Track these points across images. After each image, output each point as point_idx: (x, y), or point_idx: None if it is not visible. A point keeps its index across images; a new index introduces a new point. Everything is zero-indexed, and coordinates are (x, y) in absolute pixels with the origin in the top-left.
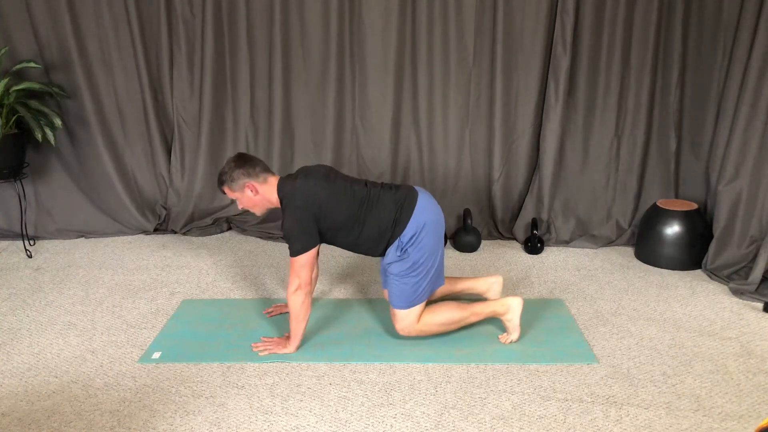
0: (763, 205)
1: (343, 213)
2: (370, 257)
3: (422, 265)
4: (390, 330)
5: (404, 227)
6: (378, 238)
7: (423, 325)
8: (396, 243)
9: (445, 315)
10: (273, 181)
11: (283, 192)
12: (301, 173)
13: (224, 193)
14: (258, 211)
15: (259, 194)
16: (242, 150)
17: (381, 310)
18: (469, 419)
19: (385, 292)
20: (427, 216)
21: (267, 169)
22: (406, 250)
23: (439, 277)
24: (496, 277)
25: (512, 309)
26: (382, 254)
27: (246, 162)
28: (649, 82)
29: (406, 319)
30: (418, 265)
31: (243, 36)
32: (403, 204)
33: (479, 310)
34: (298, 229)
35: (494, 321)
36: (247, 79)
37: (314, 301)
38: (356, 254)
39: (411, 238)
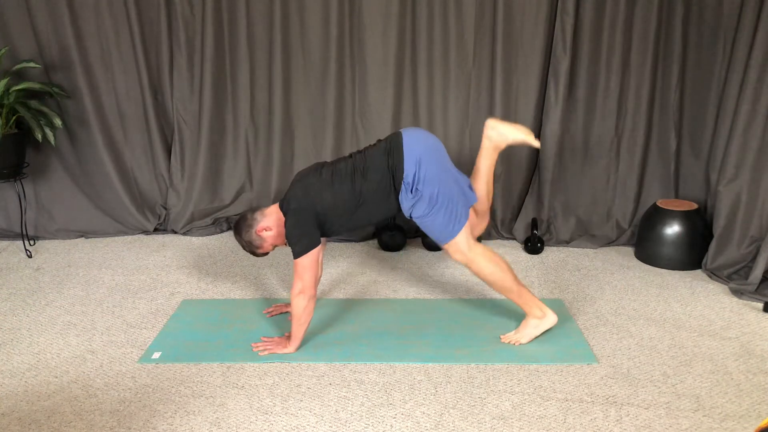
0: (763, 205)
1: (341, 195)
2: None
3: (440, 194)
4: (390, 330)
5: (402, 171)
6: (384, 196)
7: (476, 254)
8: (403, 189)
9: (499, 265)
10: (271, 210)
11: (282, 208)
12: (292, 182)
13: (264, 254)
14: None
15: (273, 228)
16: (242, 149)
17: (381, 310)
18: (469, 419)
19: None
20: (418, 150)
21: (257, 209)
22: (417, 188)
23: (465, 195)
24: (486, 130)
25: (546, 321)
26: (399, 209)
27: (239, 224)
28: (649, 82)
29: (456, 249)
30: (436, 195)
31: (243, 36)
32: (391, 150)
33: (525, 294)
34: (298, 231)
35: (495, 321)
36: (247, 79)
37: (315, 302)
38: (356, 254)
39: (414, 176)
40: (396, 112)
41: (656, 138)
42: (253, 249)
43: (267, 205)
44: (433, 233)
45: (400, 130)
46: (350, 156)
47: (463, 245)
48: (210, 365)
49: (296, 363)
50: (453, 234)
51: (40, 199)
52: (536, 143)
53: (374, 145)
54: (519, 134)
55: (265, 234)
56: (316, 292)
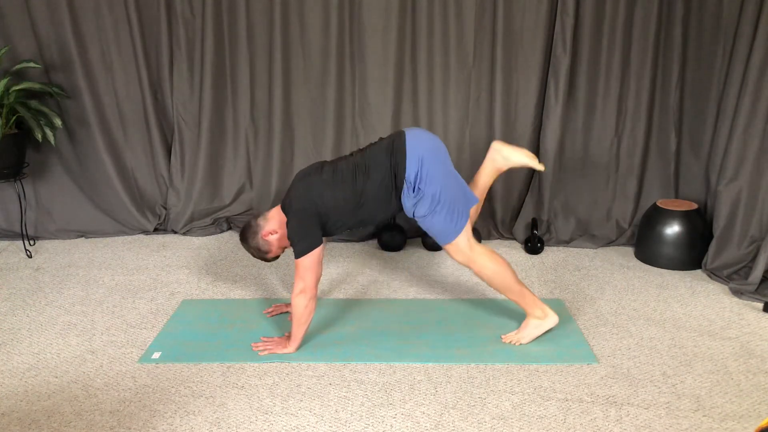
0: (763, 205)
1: (342, 194)
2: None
3: (442, 193)
4: (390, 330)
5: (404, 170)
6: (386, 195)
7: (478, 255)
8: (405, 188)
9: (501, 265)
10: (273, 213)
11: (283, 206)
12: (293, 182)
13: (274, 258)
14: None
15: (277, 230)
16: (242, 149)
17: (381, 310)
18: (469, 419)
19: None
20: (420, 149)
21: (259, 214)
22: (418, 188)
23: (465, 195)
24: (491, 152)
25: (547, 321)
26: (400, 208)
27: (244, 232)
28: (649, 82)
29: (457, 249)
30: (438, 196)
31: (243, 36)
32: (394, 149)
33: (528, 295)
34: (300, 231)
35: (495, 321)
36: (247, 79)
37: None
38: (356, 254)
39: (416, 175)
40: (396, 112)
41: (656, 138)
42: (262, 255)
43: (267, 206)
44: (434, 233)
45: (403, 129)
46: (351, 155)
47: (464, 245)
48: (210, 365)
49: (296, 363)
50: (455, 234)
51: (40, 199)
52: (540, 167)
53: (376, 143)
54: (523, 158)
55: (271, 237)
56: (317, 292)
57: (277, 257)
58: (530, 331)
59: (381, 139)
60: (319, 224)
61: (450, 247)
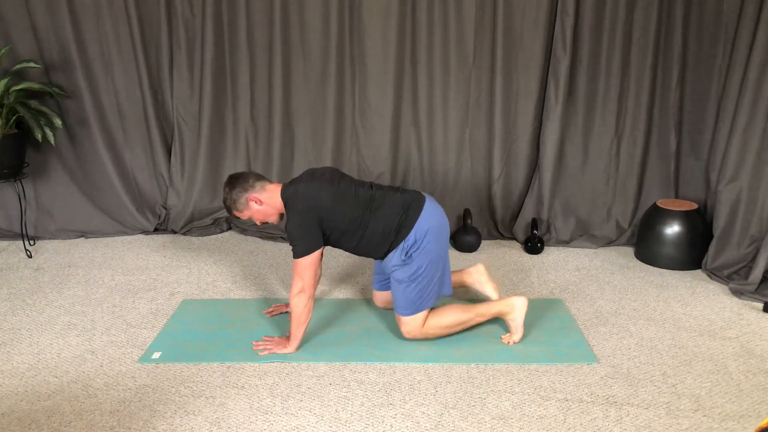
0: (763, 205)
1: (347, 216)
2: (372, 259)
3: (426, 269)
4: (390, 330)
5: (409, 231)
6: (381, 241)
7: (429, 328)
8: (400, 247)
9: (451, 317)
10: (272, 188)
11: (286, 195)
12: (305, 176)
13: (237, 217)
14: (273, 219)
15: (264, 203)
16: (242, 149)
17: (381, 311)
18: (469, 419)
19: (378, 294)
20: (432, 221)
21: (261, 178)
22: (411, 254)
23: (444, 284)
24: (476, 266)
25: (516, 308)
26: (383, 257)
27: (238, 179)
28: (649, 82)
29: (412, 323)
30: (422, 270)
31: (243, 36)
32: (409, 208)
33: (484, 311)
34: (302, 231)
35: (496, 321)
36: (247, 79)
37: (315, 302)
38: (357, 255)
39: (415, 242)
40: (396, 112)
41: (656, 138)
42: (233, 208)
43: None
44: (397, 300)
45: (425, 194)
46: (371, 186)
47: (416, 324)
48: (210, 365)
49: (296, 363)
50: (414, 311)
51: (40, 199)
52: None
53: (396, 189)
54: (492, 296)
55: (254, 206)
56: (315, 291)
57: (239, 219)
58: (515, 326)
59: (403, 190)
60: (320, 228)
61: (403, 319)
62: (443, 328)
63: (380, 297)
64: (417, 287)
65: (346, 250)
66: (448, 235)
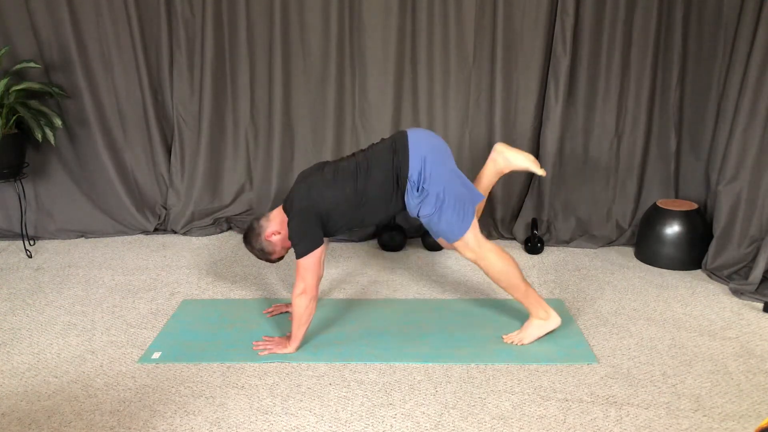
0: (763, 205)
1: (343, 194)
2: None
3: (446, 193)
4: (390, 330)
5: (407, 170)
6: (388, 195)
7: (486, 252)
8: (409, 188)
9: (507, 264)
10: (275, 213)
11: (286, 207)
12: (296, 181)
13: (279, 259)
14: None
15: (280, 231)
16: (242, 149)
17: (381, 310)
18: (469, 419)
19: (441, 241)
20: (423, 148)
21: (261, 215)
22: (422, 188)
23: (471, 193)
24: (494, 150)
25: (549, 323)
26: (403, 207)
27: (247, 234)
28: (649, 82)
29: (466, 246)
30: (443, 195)
31: (243, 36)
32: (396, 150)
33: (533, 293)
34: (301, 231)
35: (495, 321)
36: (247, 79)
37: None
38: (356, 254)
39: (419, 175)
40: (396, 112)
41: (656, 138)
42: (266, 256)
43: (267, 206)
44: (441, 232)
45: (405, 129)
46: (353, 155)
47: (472, 242)
48: (210, 365)
49: (296, 363)
50: (462, 232)
51: (40, 199)
52: (541, 172)
53: (378, 143)
54: (525, 161)
55: (274, 238)
56: (317, 293)
57: (281, 258)
58: (533, 332)
59: (383, 139)
60: (320, 224)
61: (458, 245)
62: (499, 259)
63: (441, 242)
64: (448, 211)
65: (368, 224)
66: (447, 149)
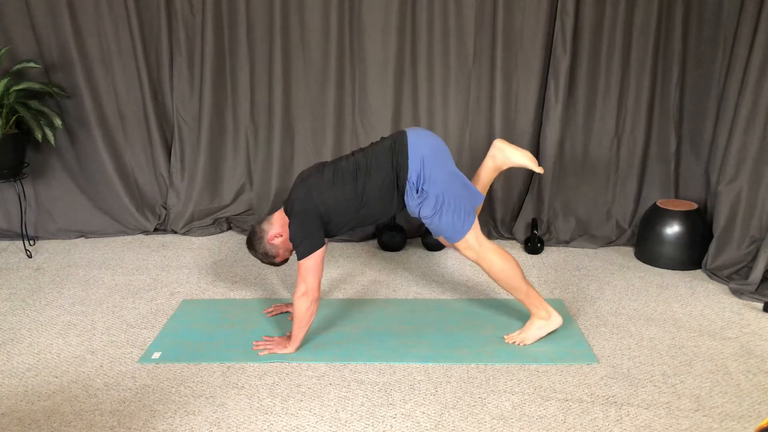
0: (763, 205)
1: (343, 195)
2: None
3: (446, 194)
4: (390, 330)
5: (406, 171)
6: (387, 196)
7: (487, 252)
8: (408, 189)
9: (508, 263)
10: (276, 217)
11: (286, 209)
12: (294, 183)
13: (283, 262)
14: None
15: (282, 234)
16: (242, 149)
17: (381, 310)
18: (469, 419)
19: (442, 239)
20: (422, 149)
21: (263, 219)
22: (422, 189)
23: (471, 192)
24: (493, 146)
25: (550, 323)
26: (404, 207)
27: (250, 239)
28: (649, 82)
29: (468, 246)
30: (442, 197)
31: (243, 36)
32: (395, 150)
33: (533, 294)
34: (303, 232)
35: (495, 321)
36: (247, 79)
37: None
38: (356, 254)
39: (418, 176)
40: (396, 112)
41: (656, 138)
42: (270, 260)
43: (267, 206)
44: (441, 232)
45: (405, 129)
46: (352, 154)
47: (473, 242)
48: (210, 365)
49: (296, 363)
50: (462, 233)
51: (40, 199)
52: (538, 169)
53: (377, 142)
54: (523, 159)
55: (277, 241)
56: (319, 294)
57: (285, 260)
58: (534, 332)
59: (383, 138)
60: (321, 225)
61: (459, 245)
62: (500, 259)
63: (442, 240)
64: (448, 213)
65: (369, 224)
66: (446, 149)
